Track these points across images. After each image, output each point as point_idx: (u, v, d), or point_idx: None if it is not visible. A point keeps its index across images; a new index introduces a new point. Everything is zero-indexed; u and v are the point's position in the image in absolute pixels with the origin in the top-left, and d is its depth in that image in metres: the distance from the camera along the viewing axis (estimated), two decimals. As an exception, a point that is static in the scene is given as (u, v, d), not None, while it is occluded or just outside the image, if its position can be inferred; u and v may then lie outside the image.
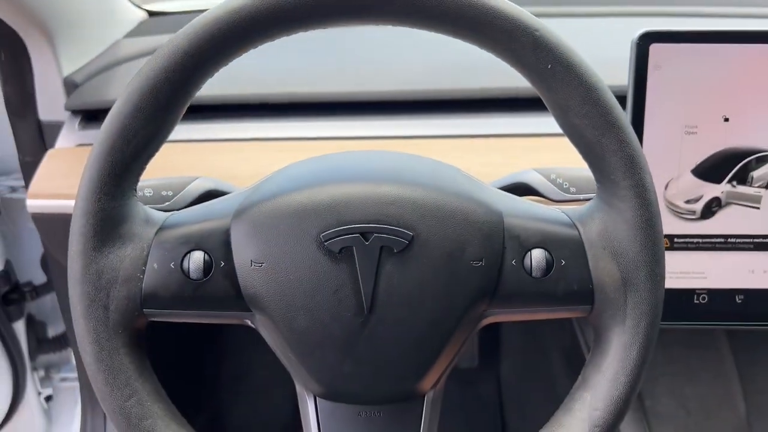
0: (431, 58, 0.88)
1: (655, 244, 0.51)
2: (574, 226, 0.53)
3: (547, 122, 0.54)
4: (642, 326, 0.51)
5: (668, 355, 0.93)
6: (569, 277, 0.52)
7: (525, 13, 0.49)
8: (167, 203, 0.64)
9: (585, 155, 0.52)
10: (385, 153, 0.57)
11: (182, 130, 0.81)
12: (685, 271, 0.71)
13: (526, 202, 0.55)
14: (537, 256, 0.51)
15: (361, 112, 0.84)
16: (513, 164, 0.75)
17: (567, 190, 0.66)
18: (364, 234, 0.50)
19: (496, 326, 1.49)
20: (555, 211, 0.54)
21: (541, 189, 0.66)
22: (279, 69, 0.87)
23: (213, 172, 0.69)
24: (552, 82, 0.49)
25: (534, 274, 0.51)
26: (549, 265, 0.51)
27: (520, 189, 0.66)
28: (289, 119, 0.82)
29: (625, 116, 0.50)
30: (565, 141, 0.52)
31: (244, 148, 0.79)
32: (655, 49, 0.66)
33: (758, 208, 0.69)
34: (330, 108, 0.82)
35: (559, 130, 0.52)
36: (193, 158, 0.77)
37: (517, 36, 0.48)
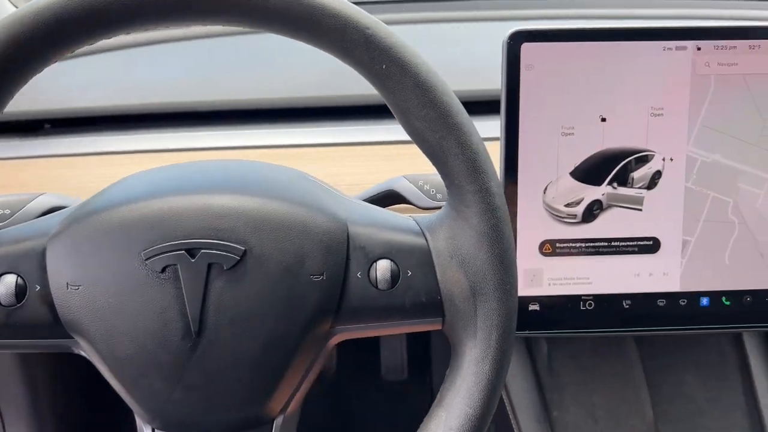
0: (307, 66, 0.84)
1: (504, 252, 0.48)
2: (422, 234, 0.50)
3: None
4: (494, 339, 0.48)
5: (577, 363, 0.91)
6: (416, 289, 0.49)
7: (356, 10, 0.46)
8: (4, 222, 0.59)
9: (431, 159, 0.49)
10: (223, 162, 0.53)
11: (35, 146, 0.76)
12: (569, 277, 0.68)
13: (376, 210, 0.52)
14: (382, 266, 0.48)
15: (229, 122, 0.81)
16: (395, 171, 0.72)
17: (434, 197, 0.63)
18: (190, 250, 0.46)
19: (425, 336, 1.46)
20: (406, 219, 0.51)
21: (409, 196, 0.63)
22: (138, 79, 0.83)
23: (63, 187, 0.65)
24: (388, 84, 0.46)
25: (380, 286, 0.48)
26: (395, 277, 0.48)
27: (391, 197, 0.63)
28: (151, 131, 0.78)
29: (467, 118, 0.47)
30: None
31: (100, 162, 0.74)
32: (527, 49, 0.64)
33: (640, 209, 0.67)
34: (195, 118, 0.78)
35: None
36: (43, 174, 0.72)
37: (349, 35, 0.45)
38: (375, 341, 1.38)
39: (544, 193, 0.66)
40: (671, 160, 0.67)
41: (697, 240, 0.68)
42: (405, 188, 0.63)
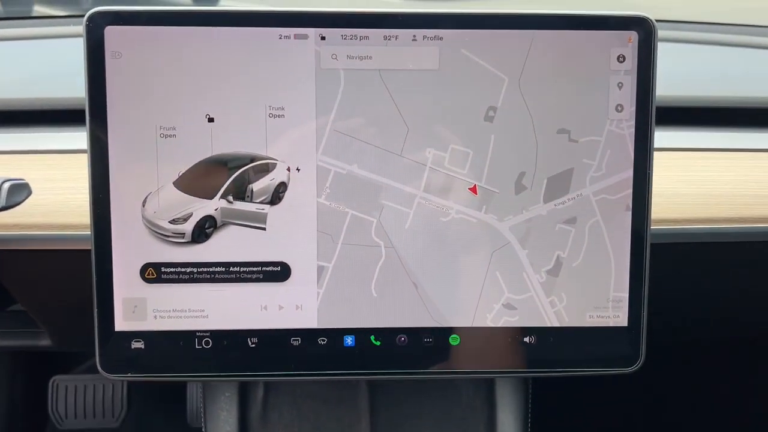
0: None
1: None
2: None
3: None
4: None
5: (298, 412, 0.78)
6: None
7: None
8: None
9: None
10: None
11: None
12: (180, 309, 0.56)
13: None
14: None
15: None
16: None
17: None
18: None
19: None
20: None
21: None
22: None
23: None
24: None
25: None
26: None
27: None
28: None
29: None
30: None
31: None
32: (112, 33, 0.53)
33: (264, 228, 0.56)
34: None
35: None
36: None
37: None
38: (180, 386, 1.26)
39: (144, 206, 0.55)
40: (298, 170, 0.56)
41: (335, 267, 0.57)
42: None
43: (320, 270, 0.57)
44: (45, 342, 0.83)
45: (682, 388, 1.22)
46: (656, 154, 0.58)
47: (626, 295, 0.58)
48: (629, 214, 0.57)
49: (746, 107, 0.74)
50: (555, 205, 0.57)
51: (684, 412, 1.24)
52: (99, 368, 0.56)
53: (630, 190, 0.57)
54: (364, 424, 0.77)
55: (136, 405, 1.33)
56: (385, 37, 0.55)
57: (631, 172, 0.57)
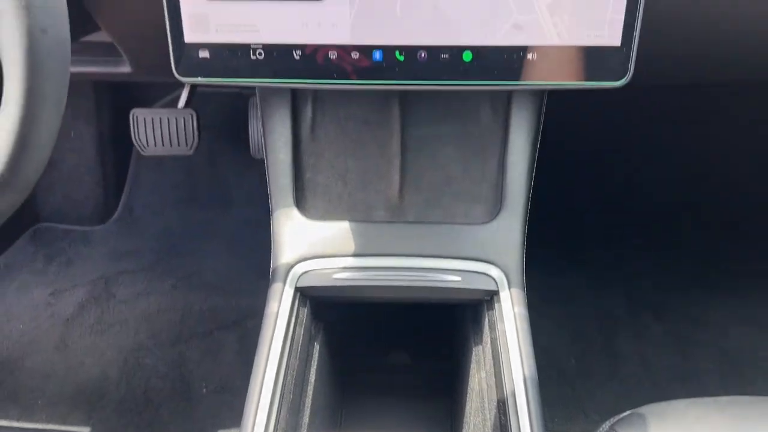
0: None
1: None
2: None
3: None
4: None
5: (341, 130, 0.91)
6: None
7: None
8: None
9: None
10: None
11: None
12: (236, 24, 0.67)
13: None
14: None
15: None
16: None
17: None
18: None
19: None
20: None
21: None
22: None
23: None
24: None
25: None
26: None
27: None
28: None
29: None
30: None
31: None
32: None
33: (303, -48, 0.64)
34: None
35: None
36: None
37: None
38: (244, 123, 1.41)
39: (198, -70, 0.64)
40: None
41: (365, -12, 0.66)
42: None
43: (352, -9, 0.66)
44: (125, 69, 0.96)
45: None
46: None
47: (622, 17, 0.65)
48: (633, -60, 0.63)
49: None
50: (565, -69, 0.63)
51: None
52: (175, 73, 0.69)
53: None
54: (395, 140, 0.90)
55: (207, 138, 1.51)
56: None
57: None
